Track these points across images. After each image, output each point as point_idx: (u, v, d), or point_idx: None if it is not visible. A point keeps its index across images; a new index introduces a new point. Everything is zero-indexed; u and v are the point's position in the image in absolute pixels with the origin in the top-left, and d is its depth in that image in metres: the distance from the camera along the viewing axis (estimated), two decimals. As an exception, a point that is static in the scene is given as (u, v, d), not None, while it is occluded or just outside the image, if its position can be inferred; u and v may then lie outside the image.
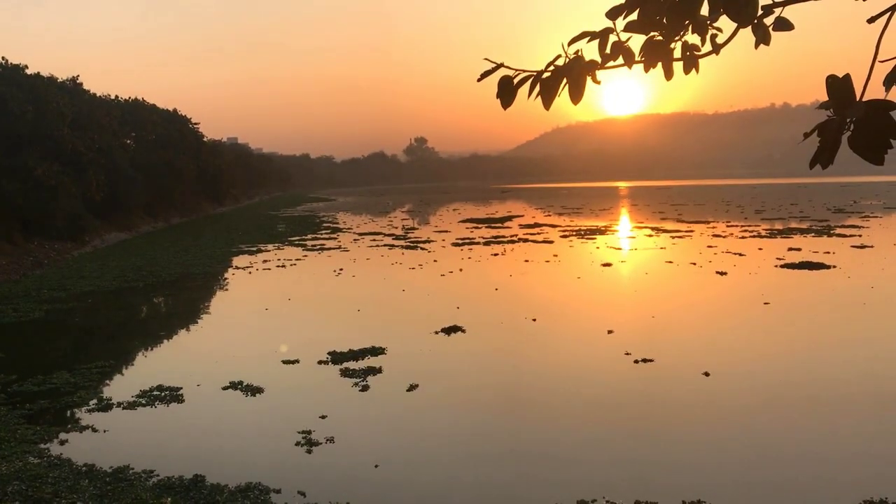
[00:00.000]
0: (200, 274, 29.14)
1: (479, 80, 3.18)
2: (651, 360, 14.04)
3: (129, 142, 58.52)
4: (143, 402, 12.44)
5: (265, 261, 32.74)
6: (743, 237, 36.66)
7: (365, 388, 12.91)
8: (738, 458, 9.71)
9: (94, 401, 12.56)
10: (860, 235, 35.54)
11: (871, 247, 30.96)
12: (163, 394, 12.81)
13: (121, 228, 47.37)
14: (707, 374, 13.08)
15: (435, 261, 30.99)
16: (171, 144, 65.03)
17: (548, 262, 29.82)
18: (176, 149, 65.16)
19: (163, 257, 34.30)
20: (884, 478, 8.92)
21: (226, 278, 28.81)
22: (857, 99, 2.45)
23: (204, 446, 10.52)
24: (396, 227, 51.48)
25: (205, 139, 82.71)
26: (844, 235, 35.65)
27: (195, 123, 78.20)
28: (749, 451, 9.86)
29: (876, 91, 2.46)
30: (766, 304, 19.47)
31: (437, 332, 17.07)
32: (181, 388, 13.08)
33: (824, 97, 2.51)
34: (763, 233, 38.47)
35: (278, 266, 30.90)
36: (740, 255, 29.57)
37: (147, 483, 9.05)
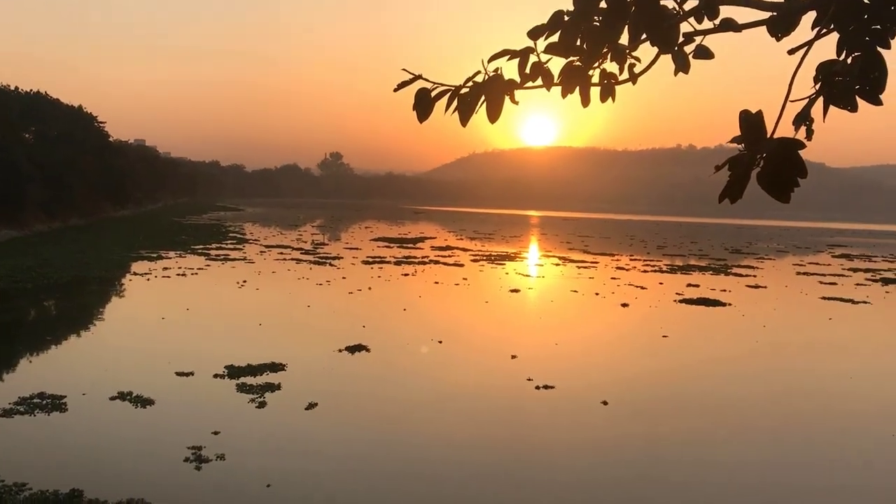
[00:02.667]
0: (96, 278, 27.87)
1: (395, 90, 3.08)
2: (552, 387, 14.18)
3: (28, 136, 55.79)
4: (21, 409, 11.70)
5: (165, 268, 31.61)
6: (645, 271, 37.76)
7: (262, 405, 12.52)
8: (627, 486, 9.85)
9: (-33, 407, 11.73)
10: (755, 276, 37.15)
11: (765, 287, 32.39)
12: (44, 402, 12.08)
13: (12, 226, 44.94)
14: (605, 403, 13.28)
15: (343, 278, 30.62)
16: (73, 142, 62.42)
17: (457, 284, 29.91)
18: (79, 147, 62.57)
19: (57, 258, 32.66)
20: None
21: (122, 284, 27.66)
22: (769, 136, 2.46)
23: (85, 459, 9.94)
24: (306, 242, 50.75)
25: (110, 139, 79.83)
26: (740, 275, 37.19)
27: (101, 122, 75.51)
28: (640, 482, 10.02)
29: (786, 130, 2.49)
30: (664, 336, 20.02)
31: (340, 350, 16.78)
32: (65, 396, 12.38)
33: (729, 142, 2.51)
34: (664, 268, 39.72)
35: (179, 274, 29.89)
36: (642, 288, 30.41)
37: (17, 497, 8.46)
